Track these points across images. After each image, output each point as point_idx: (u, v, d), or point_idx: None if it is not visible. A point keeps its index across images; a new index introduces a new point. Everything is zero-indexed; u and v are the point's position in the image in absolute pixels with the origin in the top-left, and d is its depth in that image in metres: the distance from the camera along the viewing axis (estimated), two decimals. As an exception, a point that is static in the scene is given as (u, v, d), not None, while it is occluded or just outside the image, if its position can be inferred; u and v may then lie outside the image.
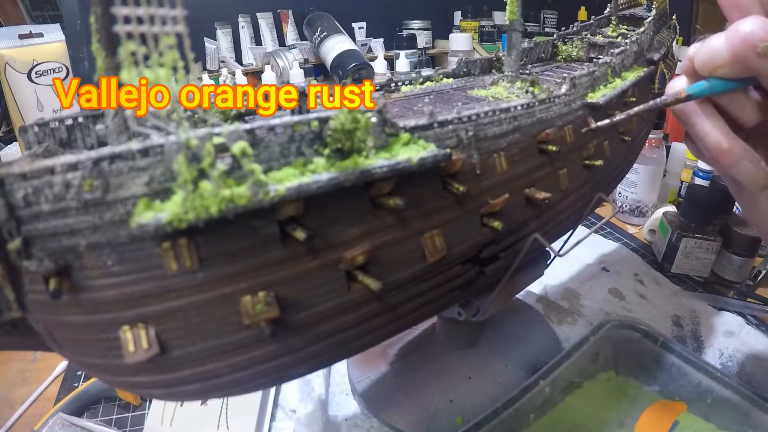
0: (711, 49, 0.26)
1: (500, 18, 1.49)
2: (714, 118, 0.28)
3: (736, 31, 0.24)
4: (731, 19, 0.27)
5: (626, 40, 0.47)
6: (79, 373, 0.52)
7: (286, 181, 0.20)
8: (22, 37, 0.82)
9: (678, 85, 0.29)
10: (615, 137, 0.43)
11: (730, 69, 0.26)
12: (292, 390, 0.47)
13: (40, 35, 0.84)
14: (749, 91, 0.28)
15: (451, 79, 0.48)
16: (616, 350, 0.45)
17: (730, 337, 0.53)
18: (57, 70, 0.85)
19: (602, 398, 0.43)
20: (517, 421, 0.38)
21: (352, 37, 1.30)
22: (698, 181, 0.78)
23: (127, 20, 0.18)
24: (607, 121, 0.36)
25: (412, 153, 0.24)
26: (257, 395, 0.45)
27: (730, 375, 0.41)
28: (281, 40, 1.27)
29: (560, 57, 0.57)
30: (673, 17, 0.68)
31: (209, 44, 1.15)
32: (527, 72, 0.48)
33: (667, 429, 0.40)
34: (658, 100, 0.30)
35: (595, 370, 0.44)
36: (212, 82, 1.08)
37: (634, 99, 0.44)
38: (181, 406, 0.44)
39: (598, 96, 0.39)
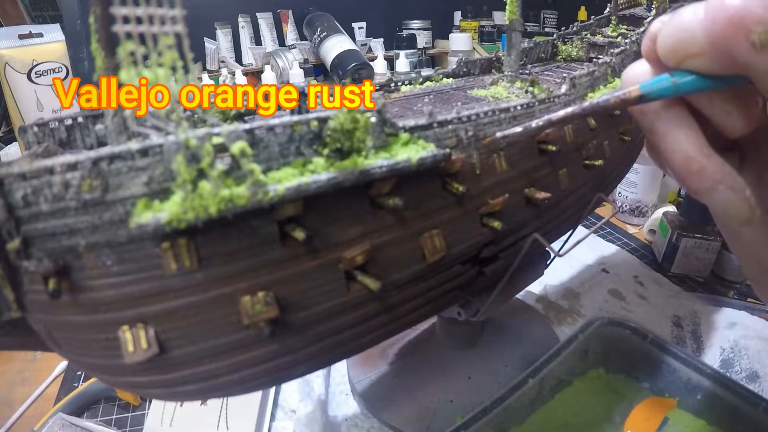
0: (681, 26, 0.18)
1: (500, 18, 1.50)
2: (684, 126, 0.20)
3: (722, 2, 0.16)
4: None
5: (626, 40, 0.47)
6: (79, 373, 0.52)
7: (285, 181, 0.20)
8: (22, 37, 0.82)
9: (636, 73, 0.21)
10: (615, 137, 0.43)
11: (708, 61, 0.17)
12: (292, 390, 0.47)
13: (40, 35, 0.84)
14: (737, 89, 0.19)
15: (451, 79, 0.48)
16: (605, 348, 0.45)
17: (732, 328, 0.53)
18: (57, 70, 0.85)
19: (592, 396, 0.43)
20: (507, 419, 0.38)
21: (352, 37, 1.30)
22: (698, 181, 0.78)
23: (126, 20, 0.18)
24: (518, 128, 0.27)
25: (411, 153, 0.24)
26: (257, 395, 0.45)
27: (720, 371, 0.41)
28: (281, 40, 1.27)
29: (560, 57, 0.57)
30: (673, 17, 0.67)
31: (209, 44, 1.15)
32: (527, 72, 0.48)
33: (657, 426, 0.40)
34: (597, 100, 0.22)
35: (584, 368, 0.44)
36: (212, 82, 1.08)
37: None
38: (181, 406, 0.44)
39: (598, 96, 0.39)
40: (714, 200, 0.20)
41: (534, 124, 0.26)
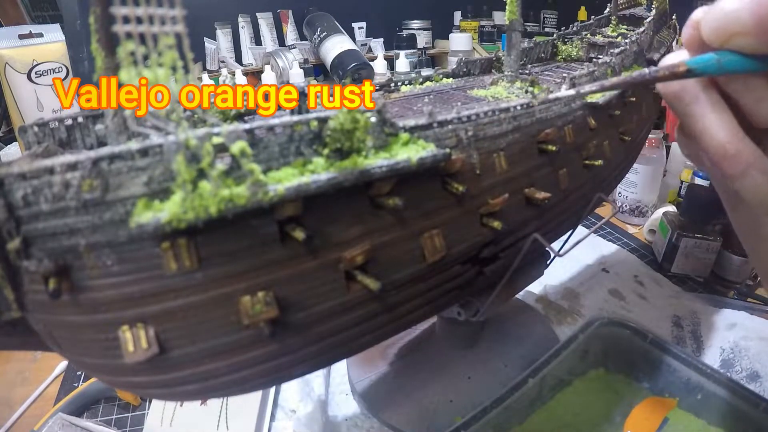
0: (727, 8, 0.19)
1: (500, 18, 1.50)
2: (721, 110, 0.21)
3: None
4: None
5: (626, 40, 0.47)
6: (79, 373, 0.52)
7: (285, 181, 0.20)
8: (22, 37, 0.82)
9: (676, 57, 0.22)
10: (615, 137, 0.43)
11: (753, 40, 0.18)
12: (292, 390, 0.47)
13: (40, 35, 0.84)
14: None
15: (451, 79, 0.48)
16: (605, 347, 0.45)
17: (731, 329, 0.53)
18: (57, 70, 0.85)
19: (592, 395, 0.43)
20: (507, 419, 0.38)
21: (352, 37, 1.30)
22: (698, 181, 0.78)
23: (126, 20, 0.18)
24: (572, 91, 0.29)
25: (411, 153, 0.24)
26: (257, 395, 0.45)
27: (720, 371, 0.41)
28: (281, 40, 1.27)
29: (560, 57, 0.57)
30: (673, 17, 0.68)
31: (209, 44, 1.15)
32: (527, 72, 0.48)
33: (657, 425, 0.40)
34: (647, 71, 0.22)
35: (584, 368, 0.44)
36: (212, 82, 1.08)
37: (634, 99, 0.44)
38: (181, 406, 0.44)
39: (597, 96, 0.39)
40: (745, 184, 0.20)
41: (587, 87, 0.27)
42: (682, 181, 0.83)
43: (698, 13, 0.20)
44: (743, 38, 0.19)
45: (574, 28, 0.59)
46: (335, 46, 1.16)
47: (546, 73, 0.50)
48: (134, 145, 0.18)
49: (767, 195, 0.20)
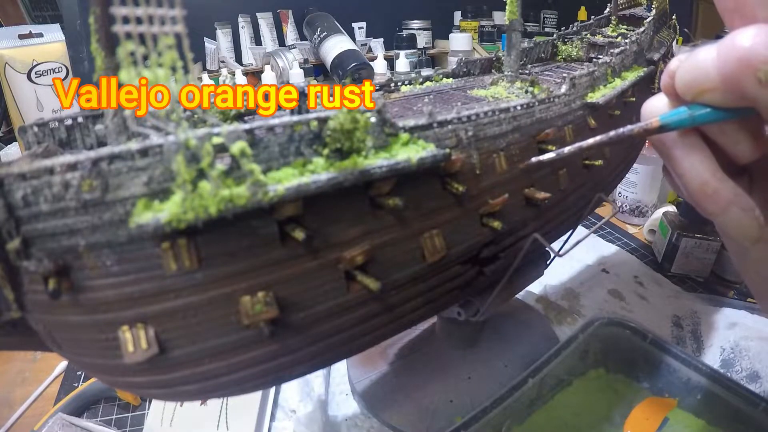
0: (697, 65, 0.20)
1: (500, 18, 1.49)
2: (699, 153, 0.22)
3: (732, 45, 0.18)
4: (730, 24, 0.20)
5: (626, 40, 0.47)
6: (79, 373, 0.52)
7: (285, 181, 0.20)
8: (22, 37, 0.82)
9: (655, 106, 0.23)
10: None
11: (721, 95, 0.19)
12: (292, 390, 0.47)
13: (40, 35, 0.84)
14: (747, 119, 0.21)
15: (451, 79, 0.48)
16: (605, 347, 0.45)
17: (732, 329, 0.53)
18: (57, 70, 0.85)
19: (592, 395, 0.43)
20: (507, 419, 0.38)
21: (352, 37, 1.30)
22: (698, 181, 0.78)
23: (126, 20, 0.18)
24: (552, 154, 0.30)
25: (411, 153, 0.24)
26: (257, 395, 0.45)
27: (720, 371, 0.41)
28: (281, 40, 1.27)
29: (560, 57, 0.57)
30: (673, 17, 0.68)
31: (209, 44, 1.15)
32: (527, 72, 0.48)
33: (657, 426, 0.40)
34: (623, 129, 0.24)
35: (584, 368, 0.44)
36: (212, 82, 1.08)
37: (634, 99, 0.44)
38: (181, 406, 0.44)
39: (597, 96, 0.39)
40: (726, 220, 0.21)
41: (567, 150, 0.28)
42: (682, 181, 0.83)
43: (674, 63, 0.21)
44: (712, 94, 0.20)
45: (574, 28, 0.59)
46: (335, 46, 1.16)
47: (546, 73, 0.50)
48: (134, 145, 0.18)
49: (748, 229, 0.21)
